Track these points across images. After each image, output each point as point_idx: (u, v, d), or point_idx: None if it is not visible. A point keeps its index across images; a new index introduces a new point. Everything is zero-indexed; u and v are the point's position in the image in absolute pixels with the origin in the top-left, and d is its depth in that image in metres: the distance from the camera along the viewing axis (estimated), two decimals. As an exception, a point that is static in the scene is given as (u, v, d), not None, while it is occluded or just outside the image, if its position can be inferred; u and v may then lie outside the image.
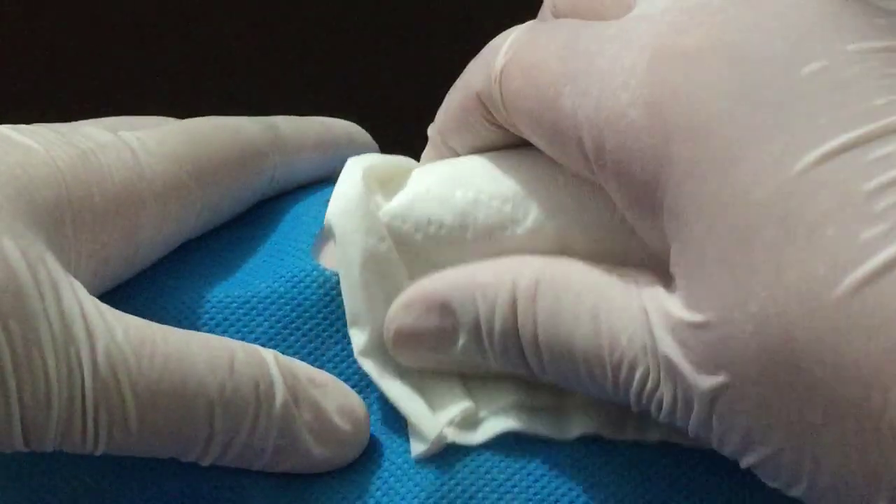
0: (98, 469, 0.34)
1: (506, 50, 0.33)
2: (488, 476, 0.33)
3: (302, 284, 0.35)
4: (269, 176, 0.38)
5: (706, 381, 0.28)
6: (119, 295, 0.34)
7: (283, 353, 0.34)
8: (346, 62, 0.72)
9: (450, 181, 0.34)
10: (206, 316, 0.35)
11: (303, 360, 0.34)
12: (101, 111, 0.40)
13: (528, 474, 0.33)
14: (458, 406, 0.33)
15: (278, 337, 0.34)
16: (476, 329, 0.32)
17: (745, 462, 0.29)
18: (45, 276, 0.30)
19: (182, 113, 0.40)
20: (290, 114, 0.40)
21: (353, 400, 0.33)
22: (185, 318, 0.35)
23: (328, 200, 0.38)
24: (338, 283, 0.35)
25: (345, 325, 0.35)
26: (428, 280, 0.33)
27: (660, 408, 0.30)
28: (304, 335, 0.35)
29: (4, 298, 0.29)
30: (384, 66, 0.65)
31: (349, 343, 0.35)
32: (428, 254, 0.34)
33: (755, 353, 0.27)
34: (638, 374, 0.30)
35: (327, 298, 0.35)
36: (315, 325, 0.35)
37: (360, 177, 0.35)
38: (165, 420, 0.30)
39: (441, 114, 0.36)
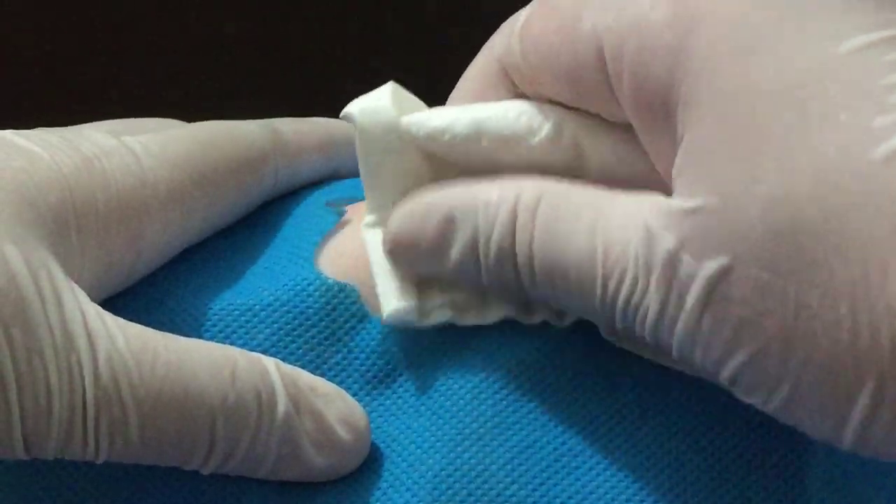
0: (98, 474, 0.34)
1: (527, 10, 0.33)
2: (486, 485, 0.33)
3: (304, 293, 0.35)
4: (272, 180, 0.38)
5: (707, 267, 0.29)
6: (121, 301, 0.34)
7: (283, 360, 0.34)
8: (346, 62, 0.71)
9: (465, 106, 0.35)
10: (209, 323, 0.35)
11: (304, 367, 0.34)
12: (101, 112, 0.40)
13: (530, 482, 0.33)
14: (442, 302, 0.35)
15: (280, 344, 0.35)
16: (473, 240, 0.33)
17: (728, 370, 0.29)
18: (47, 283, 0.30)
19: (183, 114, 0.40)
20: (290, 114, 0.40)
21: (355, 410, 0.33)
22: (187, 325, 0.35)
23: (327, 202, 0.38)
24: (339, 291, 0.35)
25: (346, 333, 0.35)
26: (431, 191, 0.34)
27: (645, 318, 0.30)
28: (305, 343, 0.35)
29: (6, 305, 0.29)
30: (384, 67, 0.65)
31: (350, 352, 0.35)
32: (441, 161, 0.35)
33: (760, 235, 0.28)
34: (627, 283, 0.30)
35: (329, 307, 0.35)
36: (317, 332, 0.35)
37: (390, 90, 0.35)
38: (167, 429, 0.30)
39: (455, 93, 0.36)
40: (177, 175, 0.34)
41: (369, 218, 0.35)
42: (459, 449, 0.33)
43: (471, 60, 0.36)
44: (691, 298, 0.29)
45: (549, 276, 0.32)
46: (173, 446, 0.31)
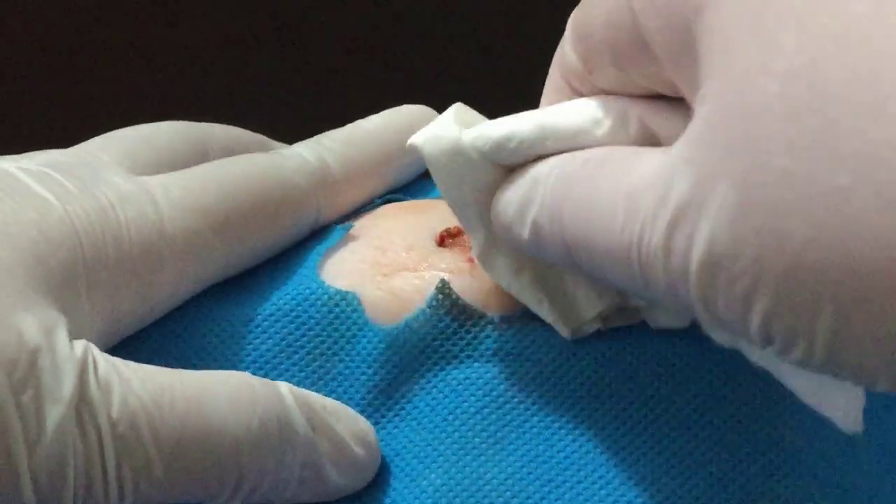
0: None
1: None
2: (487, 500, 0.33)
3: (307, 303, 0.35)
4: (313, 216, 0.37)
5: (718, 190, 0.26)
6: None
7: (286, 370, 0.34)
8: (350, 64, 0.72)
9: (523, 113, 0.34)
10: (212, 334, 0.35)
11: (307, 378, 0.34)
12: (107, 112, 0.40)
13: (531, 496, 0.33)
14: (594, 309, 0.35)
15: (282, 355, 0.35)
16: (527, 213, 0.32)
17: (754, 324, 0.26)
18: (59, 345, 0.29)
19: (184, 114, 0.40)
20: (292, 117, 0.40)
21: (364, 425, 0.33)
22: (190, 336, 0.35)
23: None
24: (341, 300, 0.35)
25: (347, 342, 0.35)
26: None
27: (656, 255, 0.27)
28: (308, 353, 0.35)
29: (17, 372, 0.28)
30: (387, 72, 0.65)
31: (352, 361, 0.35)
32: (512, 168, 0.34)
33: (782, 118, 0.25)
34: (640, 221, 0.28)
35: (331, 315, 0.35)
36: (319, 342, 0.35)
37: (453, 113, 0.34)
38: (193, 465, 0.30)
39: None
40: (197, 225, 0.33)
41: (477, 249, 0.35)
42: (461, 464, 0.33)
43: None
44: (717, 204, 0.26)
45: (578, 228, 0.30)
46: (201, 482, 0.30)
